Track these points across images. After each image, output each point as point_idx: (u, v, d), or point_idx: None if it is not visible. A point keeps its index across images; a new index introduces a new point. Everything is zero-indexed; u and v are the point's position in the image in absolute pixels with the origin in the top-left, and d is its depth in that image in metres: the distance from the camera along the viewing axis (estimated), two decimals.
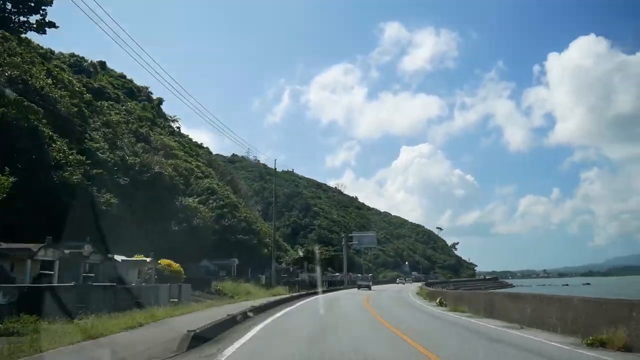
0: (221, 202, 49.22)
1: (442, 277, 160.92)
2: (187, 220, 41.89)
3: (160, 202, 41.39)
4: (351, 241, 58.10)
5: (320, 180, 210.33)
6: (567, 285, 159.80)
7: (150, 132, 56.32)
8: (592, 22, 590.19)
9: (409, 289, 59.25)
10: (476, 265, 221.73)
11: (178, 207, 42.66)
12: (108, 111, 51.97)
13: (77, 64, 71.29)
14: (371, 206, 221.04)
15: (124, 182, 38.78)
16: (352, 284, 66.27)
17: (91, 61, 78.52)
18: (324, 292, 42.67)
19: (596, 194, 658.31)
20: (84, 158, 33.01)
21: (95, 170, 36.09)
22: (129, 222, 36.84)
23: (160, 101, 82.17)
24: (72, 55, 75.74)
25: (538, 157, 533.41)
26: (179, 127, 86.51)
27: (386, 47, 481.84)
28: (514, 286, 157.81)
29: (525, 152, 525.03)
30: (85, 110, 44.52)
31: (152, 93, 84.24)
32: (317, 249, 56.06)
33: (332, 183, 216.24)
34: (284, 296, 28.54)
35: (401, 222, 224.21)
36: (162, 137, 55.06)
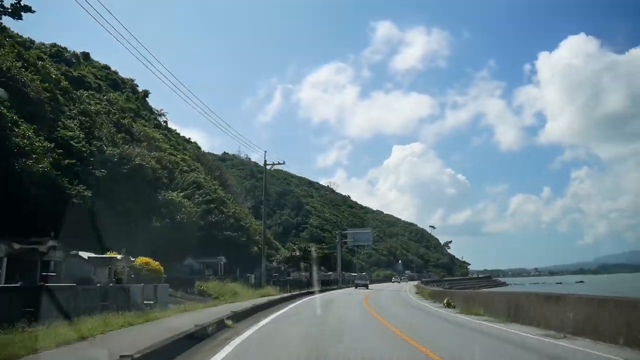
0: (208, 197, 46.28)
1: (435, 275, 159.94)
2: (170, 216, 38.93)
3: (141, 196, 38.35)
4: (345, 238, 55.45)
5: (312, 179, 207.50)
6: (560, 283, 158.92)
7: (134, 123, 53.17)
8: (582, 22, 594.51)
9: (407, 289, 56.83)
10: (469, 264, 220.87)
11: (160, 201, 39.66)
12: (87, 100, 48.81)
13: (58, 54, 67.89)
14: (363, 205, 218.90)
15: (101, 174, 35.73)
16: (347, 283, 63.75)
17: (73, 52, 75.12)
18: (318, 292, 39.93)
19: (586, 192, 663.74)
20: (53, 145, 29.95)
21: (67, 161, 33.09)
22: (105, 216, 33.84)
23: (145, 93, 78.88)
24: (54, 45, 72.30)
25: (529, 156, 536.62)
26: (165, 122, 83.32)
27: (378, 46, 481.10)
28: (508, 284, 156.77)
29: (516, 151, 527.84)
30: (61, 98, 41.41)
31: (137, 85, 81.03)
32: (313, 249, 53.22)
33: (324, 182, 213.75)
34: (273, 297, 25.72)
35: (394, 221, 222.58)
36: (145, 128, 51.91)
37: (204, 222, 43.00)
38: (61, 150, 32.52)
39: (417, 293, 42.43)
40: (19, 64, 35.34)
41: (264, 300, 21.89)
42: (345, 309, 19.68)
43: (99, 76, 69.99)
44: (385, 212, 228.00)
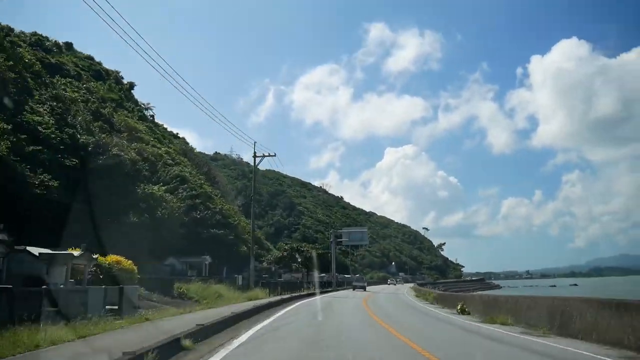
0: (193, 192, 42.86)
1: (429, 278, 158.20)
2: (150, 211, 35.49)
3: (118, 188, 34.90)
4: (340, 238, 52.32)
5: (304, 180, 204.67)
6: (554, 286, 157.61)
7: (115, 113, 49.63)
8: (574, 26, 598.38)
9: (404, 291, 53.90)
10: (463, 266, 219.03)
11: (140, 195, 36.19)
12: (63, 87, 45.24)
13: (38, 43, 64.08)
14: (357, 206, 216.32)
15: (72, 164, 32.27)
16: (341, 286, 60.61)
17: (55, 41, 71.27)
18: (311, 294, 36.64)
19: (577, 196, 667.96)
20: (11, 127, 26.52)
21: (32, 147, 29.68)
22: (74, 210, 30.37)
23: (131, 85, 75.15)
24: (34, 34, 68.39)
25: (521, 159, 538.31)
26: (152, 116, 79.68)
27: (371, 48, 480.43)
28: (502, 287, 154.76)
29: (508, 154, 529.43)
30: (31, 81, 37.93)
31: (123, 78, 77.33)
32: (314, 253, 49.94)
33: (317, 183, 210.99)
34: (261, 301, 22.47)
35: (387, 222, 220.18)
36: (127, 119, 48.37)
37: (188, 219, 39.58)
38: (25, 135, 29.11)
39: (417, 296, 39.37)
40: None
41: (250, 305, 18.56)
42: (348, 318, 16.38)
43: (80, 66, 66.25)
44: (378, 214, 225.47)
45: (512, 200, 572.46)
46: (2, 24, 56.80)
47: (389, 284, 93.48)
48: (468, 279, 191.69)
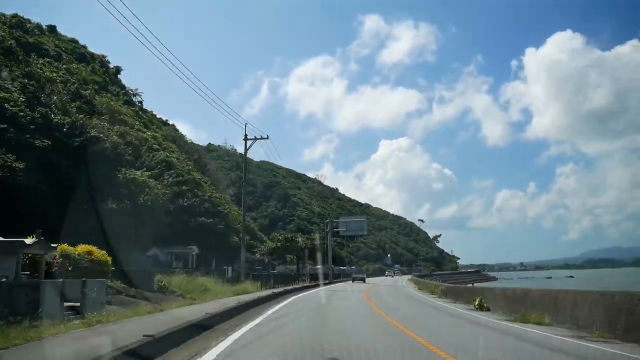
0: (180, 178, 39.94)
1: (425, 270, 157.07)
2: (131, 197, 32.60)
3: (95, 173, 32.01)
4: (337, 227, 49.63)
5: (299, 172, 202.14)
6: (550, 278, 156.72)
7: (97, 96, 46.46)
8: (569, 18, 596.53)
9: (404, 283, 51.53)
10: (459, 258, 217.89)
11: (120, 180, 33.29)
12: (40, 66, 41.99)
13: (19, 25, 60.56)
14: (352, 198, 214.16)
15: (43, 145, 29.29)
16: (337, 278, 58.15)
17: (37, 23, 67.62)
18: (306, 288, 33.97)
19: (571, 188, 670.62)
20: None
21: None
22: (43, 194, 27.53)
23: (117, 69, 71.77)
24: (15, 15, 64.73)
25: (515, 151, 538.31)
26: (140, 102, 76.36)
27: (365, 40, 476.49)
28: (498, 279, 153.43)
29: (503, 147, 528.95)
30: (1, 57, 34.80)
31: (109, 62, 73.84)
32: (317, 237, 47.21)
33: (311, 175, 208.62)
34: (250, 296, 19.71)
35: (383, 214, 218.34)
36: (109, 100, 45.22)
37: (174, 207, 36.73)
38: None
39: (420, 289, 36.84)
40: None
41: (232, 302, 15.65)
42: (353, 320, 13.54)
43: (63, 48, 62.82)
44: (373, 206, 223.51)
45: (506, 193, 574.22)
46: None
47: (386, 276, 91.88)
48: (463, 270, 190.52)
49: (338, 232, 56.95)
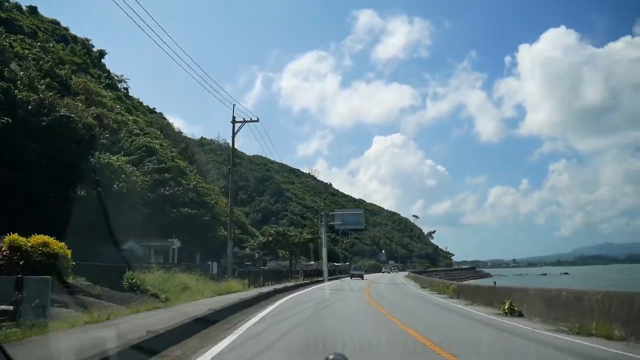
0: (162, 165, 36.49)
1: (420, 266, 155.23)
2: (105, 184, 29.15)
3: (63, 155, 28.56)
4: (332, 221, 46.42)
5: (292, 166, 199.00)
6: (545, 274, 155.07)
7: (73, 76, 42.81)
8: (563, 15, 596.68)
9: (404, 280, 48.58)
10: (453, 255, 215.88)
11: (92, 164, 29.82)
12: (9, 42, 38.22)
13: None
14: (346, 193, 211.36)
15: (2, 123, 25.78)
16: (332, 275, 55.14)
17: (16, 2, 63.48)
18: (299, 287, 30.71)
19: (564, 185, 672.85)
20: None
21: None
22: (5, 179, 24.11)
23: (101, 53, 67.84)
24: None
25: (508, 148, 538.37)
26: (126, 89, 72.50)
27: (359, 35, 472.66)
28: (492, 275, 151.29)
29: (496, 143, 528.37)
30: None
31: (93, 46, 69.84)
32: (310, 231, 43.93)
33: (305, 170, 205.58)
34: (230, 298, 16.49)
35: (377, 210, 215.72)
36: (86, 81, 41.58)
37: (154, 195, 33.33)
38: None
39: (424, 287, 33.80)
40: None
41: (204, 308, 12.27)
42: (362, 328, 10.27)
43: (43, 29, 58.86)
44: (367, 201, 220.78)
45: (499, 189, 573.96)
46: None
47: (383, 272, 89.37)
48: (457, 267, 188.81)
49: (333, 226, 53.85)
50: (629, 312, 9.77)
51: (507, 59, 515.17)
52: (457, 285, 23.25)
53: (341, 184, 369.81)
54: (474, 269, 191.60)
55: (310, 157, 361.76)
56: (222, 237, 39.88)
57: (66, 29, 67.79)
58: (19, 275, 13.39)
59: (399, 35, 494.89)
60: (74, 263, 20.75)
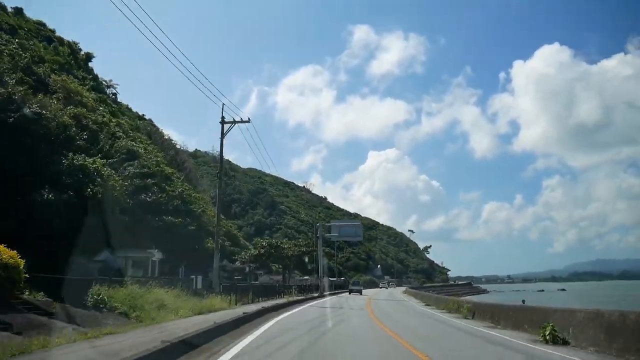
0: (145, 170, 33.56)
1: (415, 281, 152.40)
2: (76, 188, 26.17)
3: (32, 155, 25.64)
4: (329, 232, 43.38)
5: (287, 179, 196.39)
6: (542, 291, 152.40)
7: (52, 74, 40.04)
8: (556, 32, 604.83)
9: (404, 297, 45.56)
10: (449, 270, 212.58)
11: (65, 166, 26.88)
12: None
13: None
14: (341, 207, 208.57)
15: None
16: (331, 289, 52.08)
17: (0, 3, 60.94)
18: (292, 304, 27.58)
19: (557, 201, 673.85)
20: None
21: None
22: None
23: (88, 56, 65.17)
24: None
25: (502, 163, 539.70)
26: (115, 95, 69.75)
27: (355, 50, 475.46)
28: (489, 292, 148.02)
29: (490, 159, 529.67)
30: None
31: (80, 49, 67.21)
32: (304, 244, 40.64)
33: (299, 183, 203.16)
34: (214, 318, 13.57)
35: (372, 224, 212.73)
36: (65, 79, 38.80)
37: (134, 202, 30.33)
38: None
39: (429, 305, 30.85)
40: None
41: (179, 331, 9.36)
42: None
43: (25, 28, 56.23)
44: (362, 215, 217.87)
45: (493, 205, 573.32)
46: None
47: (380, 288, 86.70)
48: (453, 282, 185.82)
49: (329, 240, 50.93)
50: None
51: (502, 75, 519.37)
52: (472, 303, 20.36)
53: (335, 198, 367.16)
54: (470, 284, 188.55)
55: (304, 171, 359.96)
56: (210, 249, 36.79)
57: (52, 31, 65.20)
58: None
59: (394, 51, 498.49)
60: (26, 275, 17.74)
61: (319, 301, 32.86)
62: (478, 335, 13.46)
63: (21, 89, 28.73)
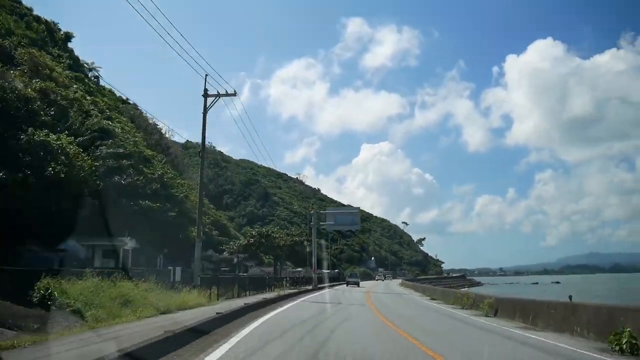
0: (120, 150, 30.13)
1: (409, 274, 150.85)
2: (36, 167, 22.76)
3: None
4: (324, 221, 40.17)
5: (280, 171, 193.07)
6: (536, 283, 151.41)
7: (19, 47, 36.27)
8: (550, 26, 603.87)
9: (404, 290, 42.73)
10: (443, 262, 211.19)
11: (23, 143, 23.41)
12: None
13: None
14: (334, 199, 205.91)
15: None
16: (321, 282, 49.15)
17: None
18: (283, 299, 24.41)
19: (549, 195, 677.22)
20: None
21: None
22: None
23: (67, 36, 60.99)
24: None
25: (495, 157, 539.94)
26: (97, 78, 65.66)
27: (348, 43, 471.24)
28: (483, 284, 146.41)
29: (483, 152, 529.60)
30: None
31: (60, 29, 62.99)
32: (297, 234, 37.04)
33: (293, 175, 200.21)
34: (181, 318, 10.49)
35: (366, 216, 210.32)
36: (33, 51, 35.09)
37: (105, 184, 26.96)
38: None
39: (434, 299, 27.94)
40: None
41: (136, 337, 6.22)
42: None
43: None
44: (355, 206, 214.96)
45: (486, 198, 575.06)
46: None
47: (377, 280, 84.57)
48: (447, 275, 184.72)
49: (324, 229, 47.82)
50: None
51: (495, 69, 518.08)
52: (493, 298, 17.30)
53: (329, 191, 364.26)
54: (464, 277, 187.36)
55: (297, 164, 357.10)
56: (194, 238, 33.54)
57: (29, 9, 60.93)
58: None
59: (388, 44, 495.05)
60: None
61: (313, 295, 29.78)
62: (520, 341, 10.35)
63: None
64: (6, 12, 51.96)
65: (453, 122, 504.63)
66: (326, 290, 37.11)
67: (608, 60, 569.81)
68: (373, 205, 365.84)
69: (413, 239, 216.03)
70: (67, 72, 42.73)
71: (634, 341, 8.89)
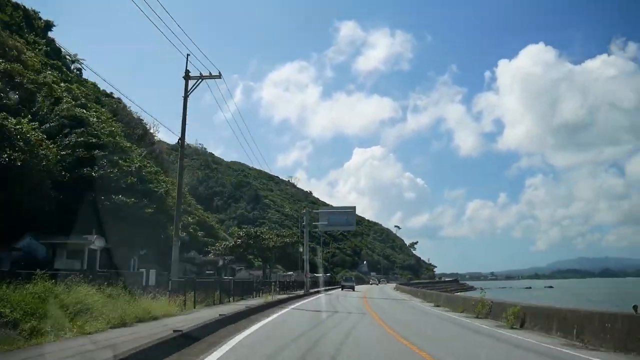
0: (92, 140, 27.17)
1: (402, 278, 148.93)
2: None
3: None
4: (316, 221, 37.46)
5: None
6: (530, 288, 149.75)
7: None
8: (542, 31, 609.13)
9: (402, 295, 40.15)
10: (436, 266, 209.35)
11: None
12: None
13: None
14: (327, 202, 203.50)
15: None
16: (314, 286, 46.29)
17: None
18: (270, 306, 21.52)
19: (540, 199, 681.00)
20: None
21: None
22: None
23: (48, 24, 57.78)
24: None
25: (487, 162, 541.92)
26: (79, 70, 62.44)
27: (341, 46, 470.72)
28: (476, 289, 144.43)
29: (475, 157, 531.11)
30: None
31: (41, 18, 59.75)
32: (288, 235, 34.16)
33: (284, 177, 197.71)
34: (125, 338, 7.74)
35: (358, 220, 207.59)
36: (1, 33, 32.03)
37: (72, 176, 23.99)
38: None
39: (439, 306, 25.31)
40: None
41: None
42: None
43: None
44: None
45: (477, 203, 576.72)
46: None
47: (371, 284, 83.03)
48: (439, 279, 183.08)
49: (316, 232, 45.16)
50: None
51: (487, 73, 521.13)
52: (519, 307, 14.64)
53: (320, 195, 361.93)
54: (457, 281, 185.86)
55: (289, 167, 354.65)
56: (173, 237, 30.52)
57: None
58: None
59: (381, 48, 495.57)
60: None
61: (305, 301, 26.98)
62: None
63: None
64: None
65: (445, 126, 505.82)
66: (320, 296, 34.29)
67: (599, 66, 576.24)
68: (365, 209, 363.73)
69: (405, 243, 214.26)
70: (43, 58, 39.63)
71: None
